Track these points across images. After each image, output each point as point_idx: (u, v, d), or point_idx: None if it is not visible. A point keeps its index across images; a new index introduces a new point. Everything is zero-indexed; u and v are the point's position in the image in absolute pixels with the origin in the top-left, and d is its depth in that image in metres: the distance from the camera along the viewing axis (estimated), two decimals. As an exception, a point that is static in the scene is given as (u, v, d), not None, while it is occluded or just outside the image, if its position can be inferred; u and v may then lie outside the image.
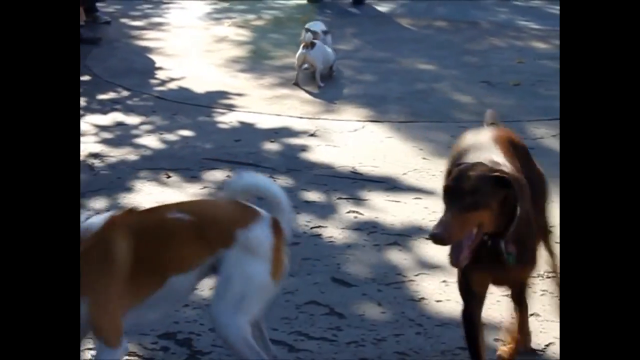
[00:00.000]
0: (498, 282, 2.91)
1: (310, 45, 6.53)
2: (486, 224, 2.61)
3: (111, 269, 2.64)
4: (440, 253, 3.87)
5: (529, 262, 2.82)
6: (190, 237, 2.72)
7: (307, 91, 6.46)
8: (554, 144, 5.37)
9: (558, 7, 8.56)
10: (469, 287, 2.81)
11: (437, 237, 2.56)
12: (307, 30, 6.76)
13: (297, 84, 6.58)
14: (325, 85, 6.63)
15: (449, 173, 2.97)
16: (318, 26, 7.17)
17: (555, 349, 3.15)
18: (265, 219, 2.81)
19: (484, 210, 2.59)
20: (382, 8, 9.80)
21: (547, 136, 5.52)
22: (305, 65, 6.62)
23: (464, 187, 2.58)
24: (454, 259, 2.63)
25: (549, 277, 3.56)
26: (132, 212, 2.83)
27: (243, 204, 2.87)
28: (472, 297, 2.82)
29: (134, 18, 8.74)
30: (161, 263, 2.70)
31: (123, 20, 8.83)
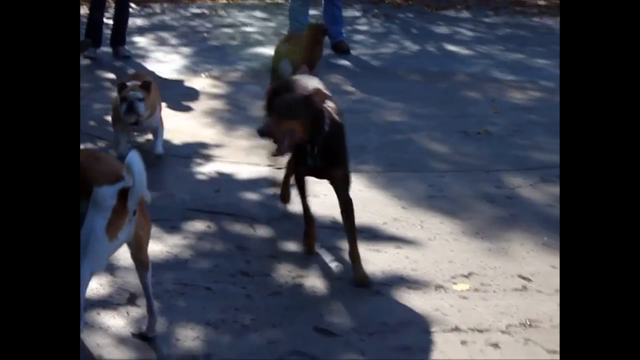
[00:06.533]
0: (315, 176, 4.36)
1: None
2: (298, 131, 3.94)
3: None
4: (423, 303, 3.89)
5: (334, 165, 4.18)
6: None
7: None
8: (531, 193, 5.42)
9: (536, 60, 8.67)
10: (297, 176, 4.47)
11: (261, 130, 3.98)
12: None
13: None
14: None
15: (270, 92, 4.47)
16: None
17: None
18: (117, 185, 3.28)
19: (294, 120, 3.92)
20: (356, 60, 9.85)
21: (524, 185, 5.57)
22: None
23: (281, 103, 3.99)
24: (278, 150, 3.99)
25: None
26: None
27: (117, 166, 3.42)
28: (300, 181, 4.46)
29: (109, 70, 8.74)
30: None
31: (98, 72, 8.83)
